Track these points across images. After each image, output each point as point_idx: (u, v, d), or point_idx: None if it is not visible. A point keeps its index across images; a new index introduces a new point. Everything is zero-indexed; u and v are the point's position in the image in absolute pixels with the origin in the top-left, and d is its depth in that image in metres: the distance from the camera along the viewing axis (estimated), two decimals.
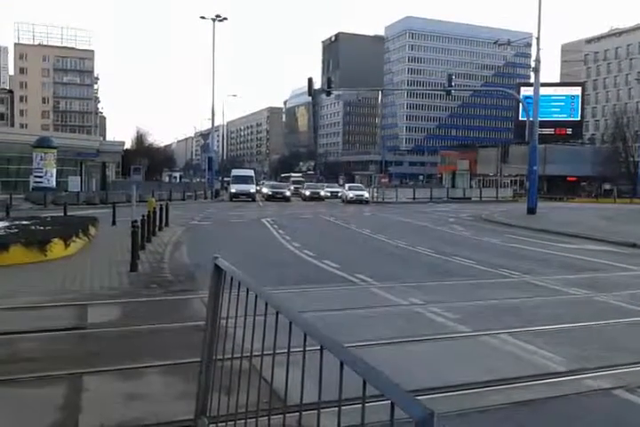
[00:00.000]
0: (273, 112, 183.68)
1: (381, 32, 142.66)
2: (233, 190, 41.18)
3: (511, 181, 69.23)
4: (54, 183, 36.92)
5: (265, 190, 44.77)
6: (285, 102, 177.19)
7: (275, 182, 55.27)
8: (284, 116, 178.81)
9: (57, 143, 38.59)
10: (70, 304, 7.27)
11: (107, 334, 6.05)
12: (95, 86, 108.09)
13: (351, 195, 41.08)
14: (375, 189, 46.68)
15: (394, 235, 17.23)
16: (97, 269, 9.85)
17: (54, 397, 4.27)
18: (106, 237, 14.49)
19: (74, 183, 39.29)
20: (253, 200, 39.96)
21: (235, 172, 46.68)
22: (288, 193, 42.67)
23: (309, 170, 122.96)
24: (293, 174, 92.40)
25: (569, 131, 77.69)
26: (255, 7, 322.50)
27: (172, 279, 9.23)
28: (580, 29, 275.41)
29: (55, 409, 4.04)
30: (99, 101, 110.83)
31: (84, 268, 9.99)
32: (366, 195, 41.43)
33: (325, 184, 58.31)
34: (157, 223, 16.47)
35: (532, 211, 27.27)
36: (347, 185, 48.42)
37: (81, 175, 43.07)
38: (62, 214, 18.65)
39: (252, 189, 41.56)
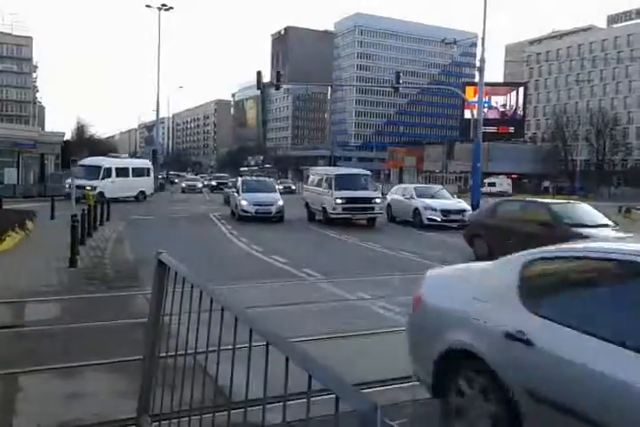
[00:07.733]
0: (221, 105, 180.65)
1: (331, 27, 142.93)
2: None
3: (456, 177, 71.06)
4: None
5: None
6: (234, 95, 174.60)
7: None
8: (232, 109, 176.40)
9: None
10: (6, 302, 6.97)
11: (45, 332, 5.84)
12: (34, 75, 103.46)
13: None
14: None
15: (342, 230, 17.36)
16: (34, 265, 9.47)
17: None
18: (44, 232, 13.96)
19: (10, 175, 37.63)
20: None
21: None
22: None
23: (257, 164, 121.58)
24: (243, 169, 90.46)
25: (511, 129, 79.94)
26: None
27: (113, 275, 8.99)
28: (524, 31, 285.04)
29: None
30: (37, 90, 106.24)
31: (21, 263, 9.60)
32: None
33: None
34: (98, 217, 16.06)
35: (475, 207, 28.02)
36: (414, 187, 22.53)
37: (18, 167, 41.06)
38: None
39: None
